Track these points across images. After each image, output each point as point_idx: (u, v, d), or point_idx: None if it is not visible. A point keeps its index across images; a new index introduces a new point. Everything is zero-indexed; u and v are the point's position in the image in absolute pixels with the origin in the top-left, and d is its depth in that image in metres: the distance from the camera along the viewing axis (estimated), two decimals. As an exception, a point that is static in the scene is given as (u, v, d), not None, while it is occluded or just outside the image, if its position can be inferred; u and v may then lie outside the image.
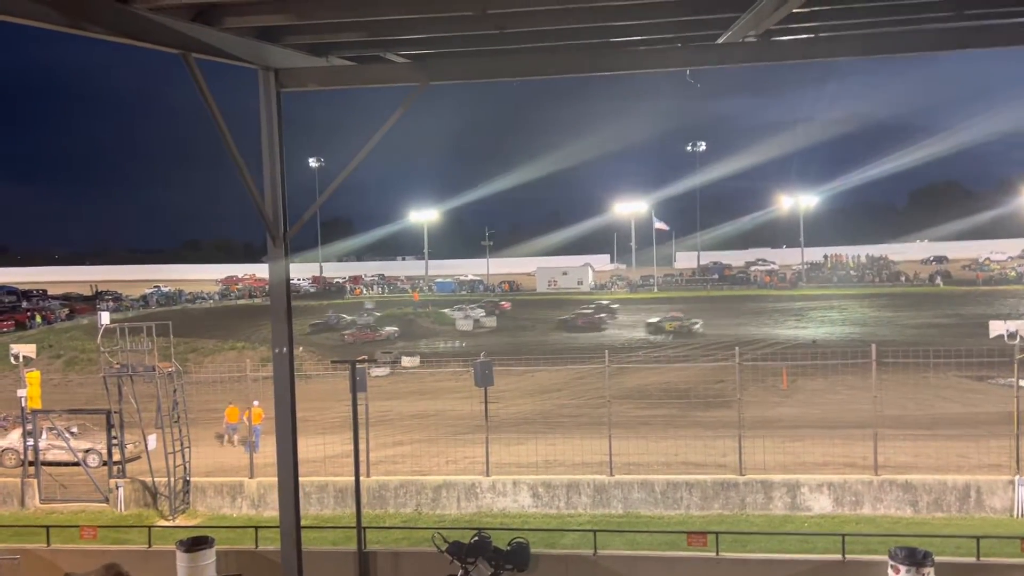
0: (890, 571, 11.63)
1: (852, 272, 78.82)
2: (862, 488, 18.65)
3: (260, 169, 10.94)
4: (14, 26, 7.45)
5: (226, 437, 26.64)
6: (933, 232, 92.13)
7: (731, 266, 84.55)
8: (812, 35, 10.65)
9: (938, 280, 70.26)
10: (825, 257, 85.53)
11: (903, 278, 73.30)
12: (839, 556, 13.18)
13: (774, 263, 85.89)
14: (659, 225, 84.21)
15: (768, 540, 16.11)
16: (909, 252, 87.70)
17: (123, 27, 7.99)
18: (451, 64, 11.11)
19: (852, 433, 22.27)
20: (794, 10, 8.84)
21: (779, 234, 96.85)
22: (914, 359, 25.57)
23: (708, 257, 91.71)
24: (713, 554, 13.41)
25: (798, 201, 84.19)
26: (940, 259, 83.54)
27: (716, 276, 79.16)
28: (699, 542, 13.44)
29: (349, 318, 57.19)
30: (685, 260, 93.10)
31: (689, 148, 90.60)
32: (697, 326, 51.96)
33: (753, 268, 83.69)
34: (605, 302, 61.51)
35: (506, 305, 64.70)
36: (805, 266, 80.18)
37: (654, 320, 53.87)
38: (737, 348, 22.16)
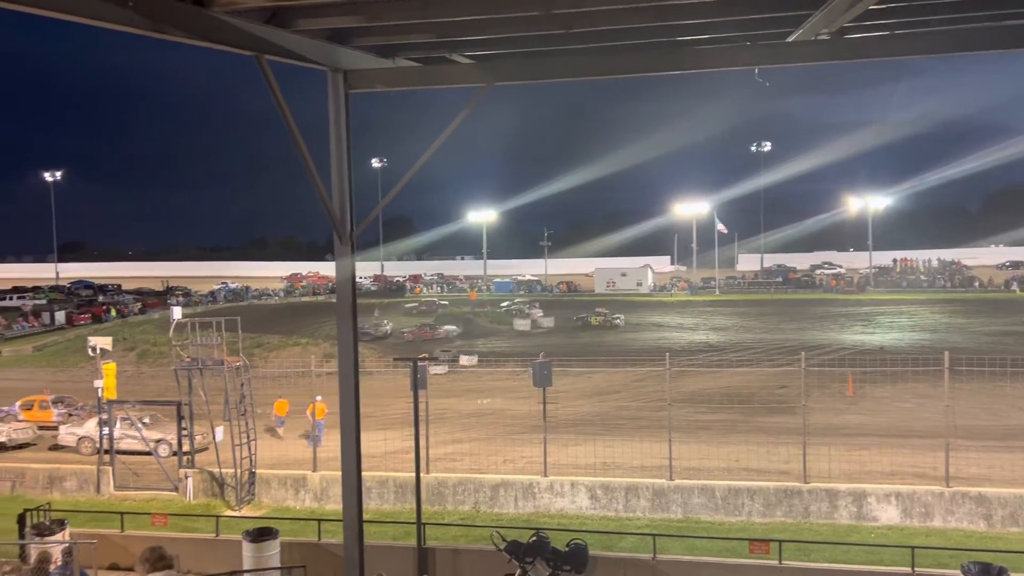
0: (962, 586, 11.26)
1: (923, 277, 76.37)
2: (932, 500, 18.08)
3: (328, 169, 11.13)
4: (95, 31, 7.75)
5: (277, 430, 27.17)
6: (1009, 236, 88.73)
7: (796, 269, 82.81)
8: (887, 32, 10.36)
9: (1015, 286, 67.63)
10: (894, 261, 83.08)
11: (977, 283, 70.78)
12: (908, 569, 12.82)
13: (841, 267, 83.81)
14: (720, 227, 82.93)
15: (833, 550, 15.73)
16: (983, 257, 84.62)
17: (200, 30, 8.22)
18: (516, 65, 11.13)
19: (921, 443, 21.65)
20: (870, 7, 8.61)
21: (846, 237, 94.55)
22: (989, 367, 24.65)
23: (772, 260, 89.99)
24: (776, 562, 13.17)
25: (867, 203, 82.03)
26: (1017, 264, 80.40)
27: (780, 279, 77.58)
28: (761, 549, 13.21)
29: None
30: (748, 263, 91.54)
31: (754, 148, 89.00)
32: (619, 320, 56.11)
33: (819, 271, 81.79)
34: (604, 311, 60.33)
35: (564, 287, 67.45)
36: (873, 270, 78.09)
37: (582, 315, 57.54)
38: (803, 353, 21.69)
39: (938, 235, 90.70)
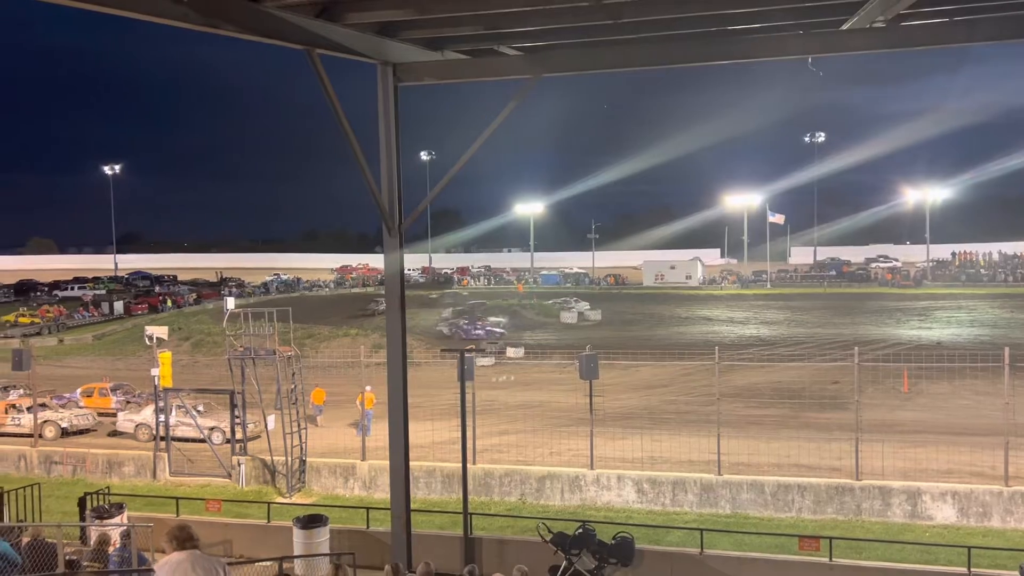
0: (1021, 588, 10.94)
1: (983, 271, 74.06)
2: (991, 499, 17.59)
3: (377, 162, 11.26)
4: (151, 26, 7.92)
5: (316, 418, 27.54)
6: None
7: (850, 262, 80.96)
8: (946, 19, 10.08)
9: (1081, 281, 65.25)
10: (953, 254, 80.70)
11: (1041, 278, 68.40)
12: (964, 569, 12.50)
13: (897, 260, 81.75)
14: (773, 218, 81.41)
15: (886, 548, 15.41)
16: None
17: (253, 25, 8.38)
18: (564, 56, 11.11)
19: (980, 440, 21.06)
20: (928, -7, 8.38)
21: (902, 230, 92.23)
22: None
23: (825, 253, 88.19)
24: (826, 559, 12.96)
25: (924, 195, 79.81)
26: (1085, 258, 77.46)
27: (834, 272, 75.98)
28: (811, 546, 13.01)
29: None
30: (801, 256, 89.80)
31: (807, 139, 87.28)
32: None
33: (874, 265, 79.89)
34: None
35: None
36: (931, 263, 76.02)
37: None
38: (856, 347, 21.26)
39: (999, 227, 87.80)
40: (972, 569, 12.43)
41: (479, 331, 48.16)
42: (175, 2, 7.30)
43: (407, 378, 11.55)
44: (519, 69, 11.21)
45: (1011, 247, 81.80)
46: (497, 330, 49.56)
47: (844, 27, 10.11)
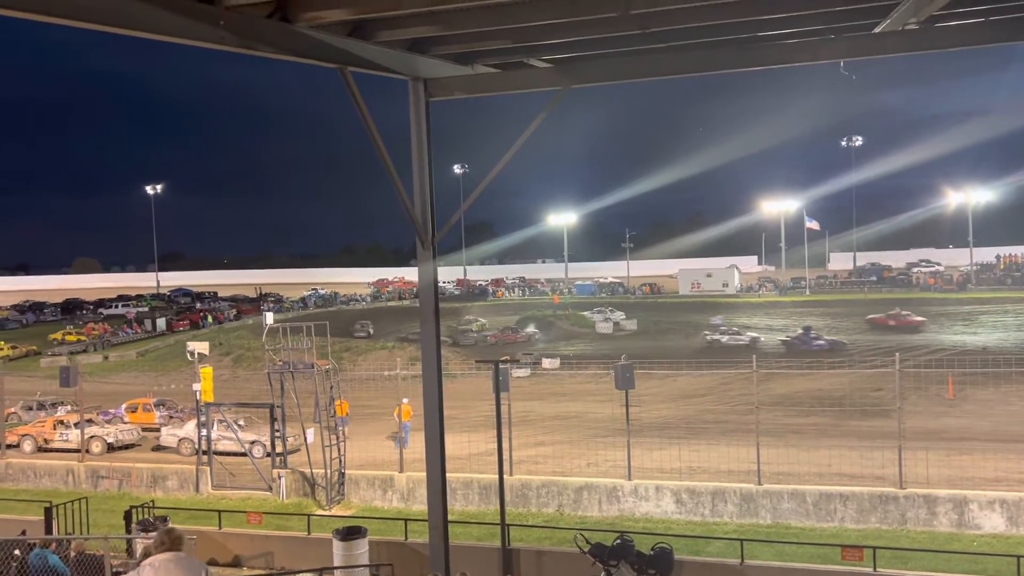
0: (1074, 599, 10.66)
1: (1030, 273, 72.34)
2: (1041, 507, 17.14)
3: (409, 176, 11.37)
4: (188, 48, 8.13)
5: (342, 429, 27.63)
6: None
7: (891, 267, 79.49)
8: (982, 19, 9.93)
9: None
10: (998, 257, 78.76)
11: (1091, 280, 66.59)
12: (1014, 580, 12.20)
13: (939, 264, 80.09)
14: (811, 224, 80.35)
15: (932, 558, 15.10)
16: (1099, 251, 79.48)
17: (287, 45, 8.55)
18: (593, 66, 11.14)
19: (1029, 448, 20.57)
20: (960, -7, 8.28)
21: (944, 233, 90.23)
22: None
23: (865, 258, 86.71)
24: (870, 570, 12.73)
25: (967, 197, 78.19)
26: None
27: (874, 278, 74.70)
28: (855, 556, 12.79)
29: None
30: (840, 261, 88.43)
31: (844, 143, 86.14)
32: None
33: (915, 269, 78.34)
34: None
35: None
36: (975, 267, 74.41)
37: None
38: (897, 354, 20.91)
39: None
40: (1022, 579, 12.13)
41: (820, 342, 46.35)
42: (211, 26, 7.48)
43: (443, 390, 11.61)
44: (549, 81, 11.26)
45: (1059, 249, 79.70)
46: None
47: (876, 30, 10.01)
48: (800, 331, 48.54)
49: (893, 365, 20.75)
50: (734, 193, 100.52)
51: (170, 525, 7.38)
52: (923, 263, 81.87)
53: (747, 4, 9.31)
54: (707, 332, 51.51)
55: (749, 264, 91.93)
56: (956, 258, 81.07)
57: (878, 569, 12.73)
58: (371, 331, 54.38)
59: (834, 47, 10.51)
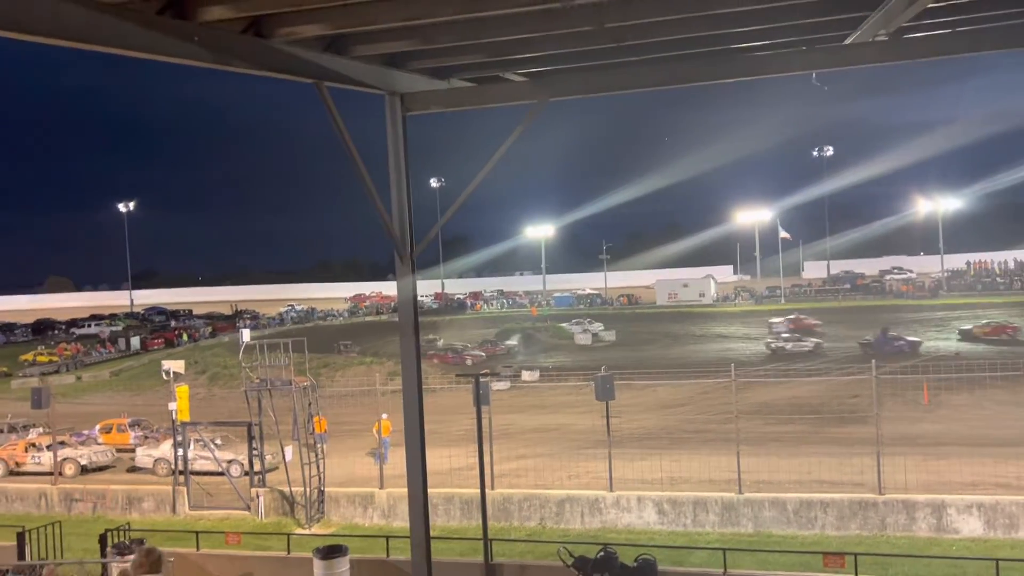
0: (1053, 601, 10.77)
1: (999, 279, 73.51)
2: (1017, 510, 17.35)
3: (387, 191, 11.34)
4: (160, 64, 8.07)
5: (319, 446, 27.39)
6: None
7: (864, 275, 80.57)
8: (949, 30, 10.11)
9: (1099, 286, 64.64)
10: (968, 264, 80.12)
11: (1058, 285, 67.83)
12: (993, 583, 12.30)
13: (911, 271, 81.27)
14: (784, 234, 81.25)
15: (913, 564, 15.23)
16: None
17: (262, 60, 8.51)
18: (570, 80, 11.19)
19: (1003, 451, 20.85)
20: (928, 5, 8.42)
21: (916, 241, 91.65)
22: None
23: (839, 266, 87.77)
24: (852, 576, 12.79)
25: (937, 205, 79.47)
26: (1101, 263, 76.81)
27: (848, 286, 75.64)
28: (836, 563, 12.85)
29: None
30: (814, 270, 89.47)
31: (816, 153, 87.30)
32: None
33: (888, 277, 79.43)
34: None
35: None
36: (946, 274, 75.52)
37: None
38: (873, 361, 21.13)
39: (1013, 235, 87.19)
40: (1001, 582, 12.24)
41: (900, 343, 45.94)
42: (186, 41, 7.43)
43: (423, 404, 11.54)
44: (525, 94, 11.29)
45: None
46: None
47: (847, 41, 10.16)
48: (879, 333, 47.81)
49: (867, 372, 20.95)
50: (708, 204, 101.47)
51: (149, 546, 7.26)
52: (895, 270, 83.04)
53: (720, 17, 9.40)
54: (770, 339, 51.05)
55: (724, 274, 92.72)
56: (927, 265, 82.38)
57: (860, 575, 12.79)
58: (354, 351, 53.60)
59: (806, 58, 10.64)
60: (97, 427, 31.78)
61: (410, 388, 11.39)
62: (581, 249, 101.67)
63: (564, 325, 61.84)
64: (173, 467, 24.49)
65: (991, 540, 17.18)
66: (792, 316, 56.71)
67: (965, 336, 50.08)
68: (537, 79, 11.32)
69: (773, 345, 49.38)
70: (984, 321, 51.72)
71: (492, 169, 11.28)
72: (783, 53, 10.70)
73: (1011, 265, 78.25)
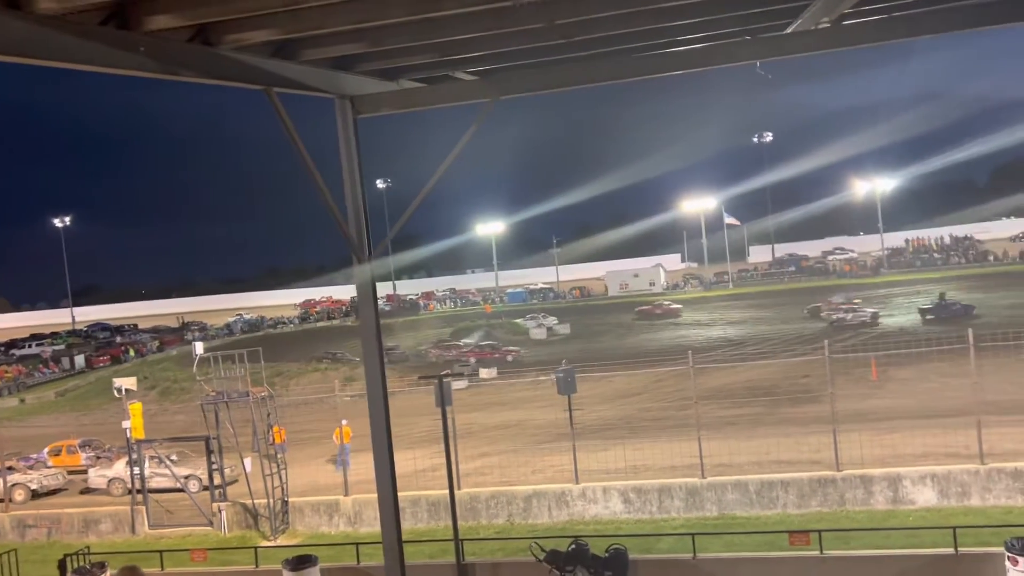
0: (1007, 563, 11.17)
1: (936, 255, 75.94)
2: (968, 478, 17.98)
3: (341, 195, 11.22)
4: (99, 75, 7.86)
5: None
6: (1018, 206, 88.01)
7: (808, 257, 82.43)
8: (885, 15, 10.39)
9: (1030, 257, 67.24)
10: (906, 241, 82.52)
11: (992, 257, 70.34)
12: (951, 550, 12.70)
13: (852, 251, 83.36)
14: (730, 220, 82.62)
15: (873, 536, 15.66)
16: (995, 230, 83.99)
17: (210, 68, 8.35)
18: (519, 77, 11.21)
19: (951, 422, 21.50)
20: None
21: (855, 221, 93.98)
22: (1015, 341, 24.50)
23: (783, 249, 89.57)
24: (817, 553, 13.08)
25: (875, 185, 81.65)
26: (1031, 235, 79.95)
27: (793, 268, 77.33)
28: (802, 541, 13.15)
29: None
30: (759, 254, 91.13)
31: (755, 140, 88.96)
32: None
33: (831, 257, 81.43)
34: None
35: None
36: (886, 252, 77.69)
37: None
38: (827, 341, 21.65)
39: (947, 212, 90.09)
40: (959, 549, 12.64)
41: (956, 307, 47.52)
42: (131, 52, 7.24)
43: (389, 407, 11.47)
44: (476, 93, 11.28)
45: (961, 230, 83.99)
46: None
47: (788, 30, 10.38)
48: (937, 298, 50.08)
49: (818, 352, 21.45)
50: (655, 194, 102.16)
51: (130, 564, 7.10)
52: (837, 251, 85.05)
53: (665, 11, 9.51)
54: (830, 311, 51.70)
55: (673, 262, 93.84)
56: (868, 244, 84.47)
57: (825, 551, 13.10)
58: (345, 355, 51.54)
59: (750, 48, 10.82)
60: (46, 450, 30.84)
61: (375, 391, 11.30)
62: (531, 244, 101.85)
63: (519, 321, 62.00)
64: (130, 486, 23.90)
65: (945, 508, 17.77)
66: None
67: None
68: (487, 77, 11.31)
69: (833, 317, 50.13)
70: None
71: (434, 168, 11.29)
72: (728, 44, 10.87)
73: (947, 240, 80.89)
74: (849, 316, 49.62)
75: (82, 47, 6.88)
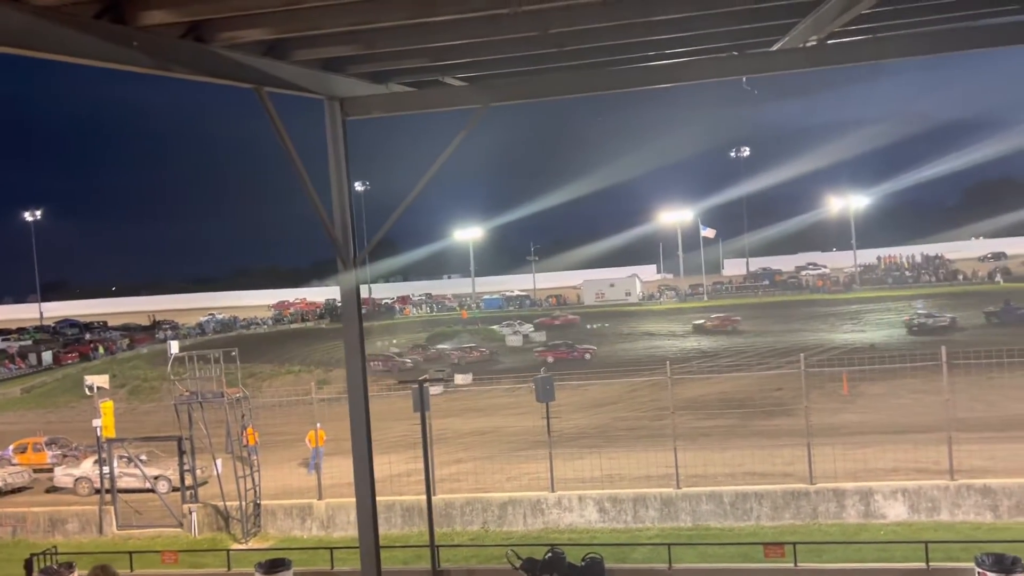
0: (978, 578, 11.34)
1: (907, 273, 77.10)
2: (938, 494, 18.22)
3: (328, 196, 11.17)
4: (66, 68, 7.78)
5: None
6: (987, 227, 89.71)
7: (781, 271, 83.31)
8: (870, 36, 10.56)
9: (998, 277, 68.37)
10: (878, 259, 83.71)
11: (961, 276, 71.52)
12: (923, 564, 12.88)
13: (825, 267, 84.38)
14: (706, 232, 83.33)
15: (845, 549, 15.81)
16: (965, 250, 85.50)
17: (202, 65, 8.30)
18: (510, 85, 11.24)
19: (921, 438, 21.79)
20: (863, 11, 8.78)
21: (829, 237, 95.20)
22: (985, 359, 24.91)
23: (757, 263, 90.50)
24: (791, 565, 13.21)
25: (848, 203, 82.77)
26: (998, 255, 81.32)
27: (766, 282, 78.11)
28: (776, 553, 13.26)
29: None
30: (734, 267, 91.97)
31: (733, 154, 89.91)
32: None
33: (804, 272, 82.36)
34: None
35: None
36: (858, 268, 78.69)
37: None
38: (803, 355, 21.87)
39: (919, 231, 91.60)
40: (930, 564, 12.82)
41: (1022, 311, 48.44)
42: (125, 47, 7.17)
43: (369, 411, 11.40)
44: (466, 99, 11.27)
45: (932, 248, 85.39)
46: None
47: (775, 47, 10.50)
48: (1003, 304, 51.45)
49: (791, 366, 21.65)
50: (633, 205, 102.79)
51: (102, 563, 6.96)
52: (810, 266, 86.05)
53: (655, 24, 9.59)
54: (913, 316, 52.29)
55: (649, 273, 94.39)
56: (840, 260, 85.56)
57: (799, 564, 13.22)
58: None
59: (737, 64, 10.95)
60: (11, 447, 30.30)
61: (356, 395, 11.24)
62: (509, 251, 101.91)
63: (495, 327, 61.96)
64: (98, 486, 23.52)
65: (916, 523, 17.98)
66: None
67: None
68: (477, 84, 11.32)
69: (915, 322, 50.71)
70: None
71: (415, 173, 11.27)
72: (716, 59, 11.00)
73: (918, 259, 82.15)
74: (930, 321, 50.24)
75: (76, 40, 6.81)
